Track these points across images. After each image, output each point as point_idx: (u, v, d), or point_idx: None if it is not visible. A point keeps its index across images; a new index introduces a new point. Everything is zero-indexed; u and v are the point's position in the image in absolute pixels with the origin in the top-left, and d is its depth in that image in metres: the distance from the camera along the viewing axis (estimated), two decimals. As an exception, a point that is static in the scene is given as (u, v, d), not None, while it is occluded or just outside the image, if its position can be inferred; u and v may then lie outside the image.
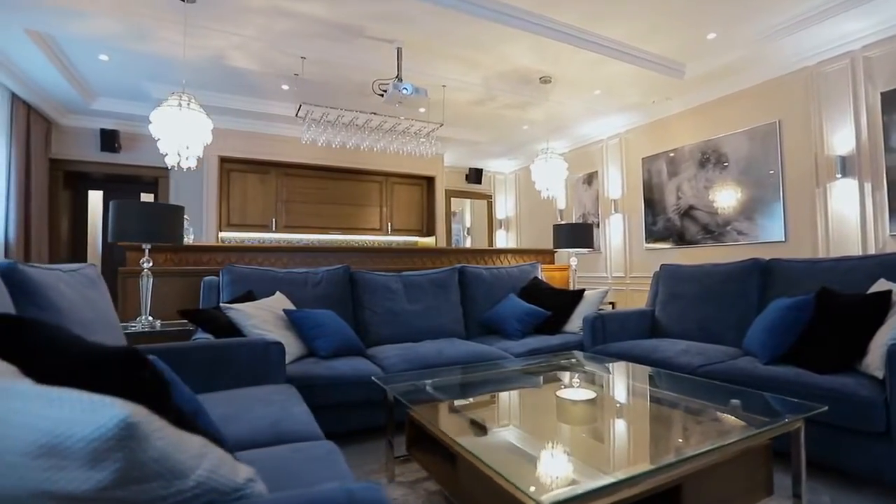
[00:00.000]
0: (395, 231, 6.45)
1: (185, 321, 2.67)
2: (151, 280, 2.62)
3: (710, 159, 4.33)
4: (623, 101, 4.79)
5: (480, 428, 1.49)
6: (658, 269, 3.35)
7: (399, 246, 5.86)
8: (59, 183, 5.05)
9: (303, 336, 2.51)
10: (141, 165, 5.41)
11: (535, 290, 3.53)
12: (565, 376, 2.11)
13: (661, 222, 4.82)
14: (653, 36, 3.62)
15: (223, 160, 5.34)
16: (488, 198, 8.02)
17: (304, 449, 1.26)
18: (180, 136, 2.83)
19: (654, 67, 3.94)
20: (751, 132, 4.00)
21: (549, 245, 5.26)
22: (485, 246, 8.01)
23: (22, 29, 3.22)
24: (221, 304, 2.38)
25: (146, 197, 5.85)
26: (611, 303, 4.20)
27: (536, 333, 3.23)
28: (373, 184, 6.32)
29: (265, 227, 5.59)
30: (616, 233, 5.43)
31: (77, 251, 5.26)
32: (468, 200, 8.68)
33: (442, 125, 4.46)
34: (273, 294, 2.76)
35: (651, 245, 4.95)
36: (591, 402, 1.65)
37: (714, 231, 4.30)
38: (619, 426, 1.46)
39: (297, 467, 1.10)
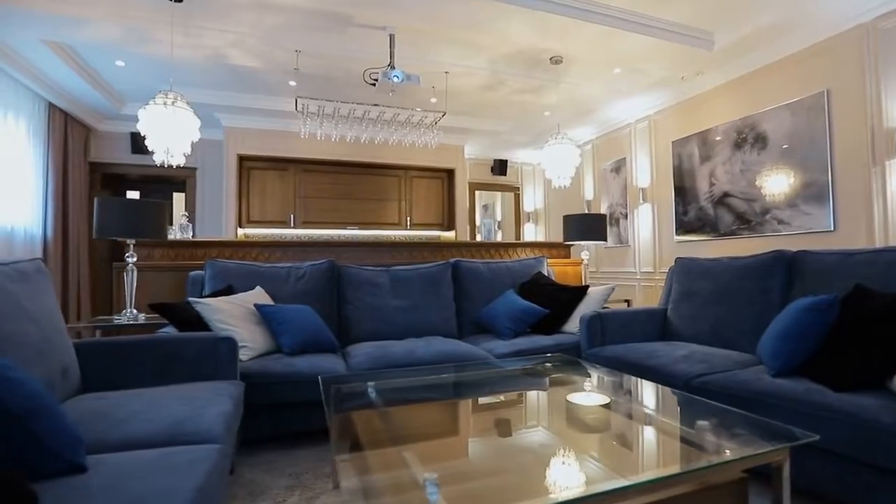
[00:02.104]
0: (415, 225, 6.35)
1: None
2: (135, 274, 2.68)
3: (747, 139, 3.82)
4: (648, 80, 4.35)
5: (393, 441, 1.33)
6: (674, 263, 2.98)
7: (396, 240, 5.71)
8: (98, 184, 5.42)
9: (272, 331, 2.46)
10: (170, 166, 5.68)
11: (535, 287, 3.27)
12: (525, 383, 1.89)
13: (693, 212, 4.35)
14: (665, 1, 3.21)
15: (242, 158, 5.49)
16: (515, 190, 7.72)
17: (178, 454, 1.17)
18: (167, 134, 2.87)
19: (675, 38, 3.52)
20: (794, 105, 3.47)
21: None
22: (512, 240, 7.73)
23: (38, 40, 3.42)
24: (189, 299, 2.38)
25: (178, 196, 6.16)
26: (626, 300, 3.84)
27: (533, 333, 2.99)
28: (392, 178, 6.25)
29: (284, 224, 5.69)
30: (645, 224, 4.99)
31: (116, 248, 5.62)
32: (499, 193, 8.44)
33: (445, 114, 4.27)
34: (254, 288, 2.74)
35: (682, 237, 4.48)
36: (524, 420, 1.44)
37: (751, 221, 3.79)
38: (540, 453, 1.24)
39: (140, 475, 1.01)
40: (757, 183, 3.74)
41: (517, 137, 6.41)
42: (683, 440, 1.26)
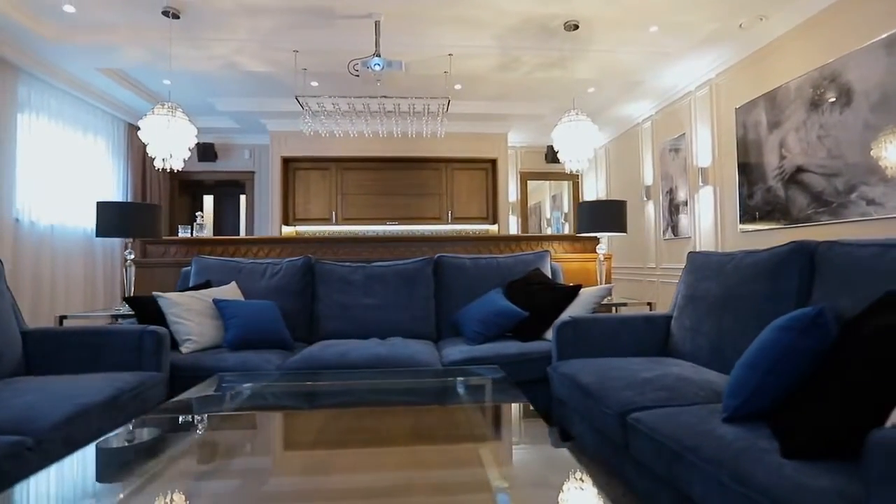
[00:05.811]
0: (457, 219, 6.15)
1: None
2: (133, 269, 2.95)
3: (826, 94, 2.90)
4: (697, 35, 3.56)
5: (206, 457, 1.21)
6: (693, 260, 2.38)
7: (395, 235, 5.48)
8: (177, 191, 6.21)
9: (224, 326, 2.51)
10: (234, 171, 6.30)
11: (523, 286, 2.89)
12: (411, 399, 1.62)
13: (760, 193, 3.46)
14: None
15: (287, 160, 5.82)
16: (574, 178, 7.04)
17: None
18: (165, 142, 3.12)
19: (709, -25, 2.81)
20: (890, 41, 2.52)
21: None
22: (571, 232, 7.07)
23: (93, 68, 3.98)
24: (154, 293, 2.53)
25: (243, 198, 6.79)
26: (648, 303, 3.18)
27: (512, 338, 2.63)
28: (432, 171, 6.13)
29: (327, 220, 5.92)
30: (706, 212, 4.14)
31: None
32: (565, 182, 7.84)
33: (450, 101, 4.00)
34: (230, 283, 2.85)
35: (746, 226, 3.61)
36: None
37: (832, 202, 2.87)
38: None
39: None
40: (838, 152, 2.82)
41: (566, 120, 5.80)
42: None
